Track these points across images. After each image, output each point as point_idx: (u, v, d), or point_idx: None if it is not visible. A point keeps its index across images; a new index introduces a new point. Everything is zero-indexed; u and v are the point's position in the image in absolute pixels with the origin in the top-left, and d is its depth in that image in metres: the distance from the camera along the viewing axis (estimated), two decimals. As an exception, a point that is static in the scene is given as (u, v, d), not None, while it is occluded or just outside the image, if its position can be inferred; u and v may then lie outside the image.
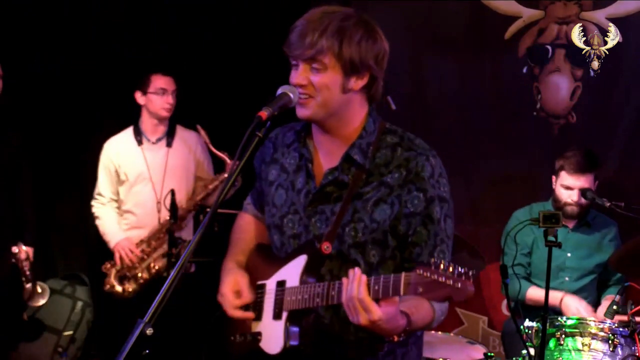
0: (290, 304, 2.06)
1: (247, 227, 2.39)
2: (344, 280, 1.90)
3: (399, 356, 2.16)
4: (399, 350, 2.16)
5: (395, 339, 2.04)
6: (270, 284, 2.16)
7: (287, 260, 2.12)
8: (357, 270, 1.89)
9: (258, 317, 2.17)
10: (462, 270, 1.74)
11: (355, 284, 1.85)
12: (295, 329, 2.07)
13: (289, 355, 2.06)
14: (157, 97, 4.41)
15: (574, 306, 3.90)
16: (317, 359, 2.11)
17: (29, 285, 4.30)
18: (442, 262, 1.75)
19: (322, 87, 2.03)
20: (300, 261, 2.07)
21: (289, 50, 2.05)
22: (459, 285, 1.73)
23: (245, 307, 2.19)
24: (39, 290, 4.41)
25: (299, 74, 2.04)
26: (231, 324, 2.27)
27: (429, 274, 1.75)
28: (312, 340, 2.09)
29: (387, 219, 2.04)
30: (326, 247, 2.04)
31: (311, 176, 2.14)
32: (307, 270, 2.06)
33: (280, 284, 2.12)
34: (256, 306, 2.19)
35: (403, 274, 1.80)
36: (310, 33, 2.00)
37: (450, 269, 1.74)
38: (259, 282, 2.20)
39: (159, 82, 4.41)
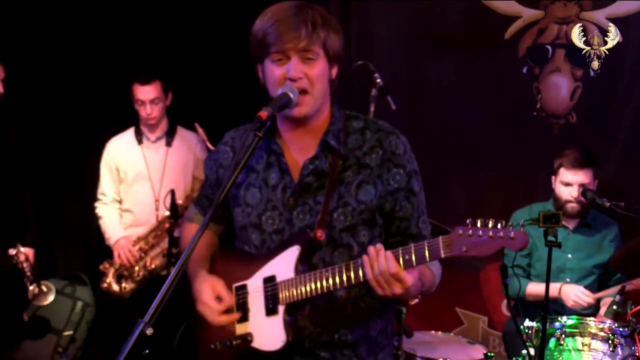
0: (289, 297, 2.05)
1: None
2: (365, 257, 1.94)
3: (389, 334, 2.25)
4: (389, 328, 2.24)
5: (414, 301, 2.09)
6: (254, 283, 2.14)
7: (273, 256, 2.12)
8: (379, 245, 1.94)
9: (244, 319, 2.14)
10: (505, 223, 1.83)
11: (382, 259, 1.91)
12: (291, 320, 2.07)
13: (289, 348, 2.06)
14: (139, 108, 4.45)
15: (572, 292, 3.90)
16: (315, 347, 2.12)
17: (33, 286, 4.30)
18: (479, 220, 1.85)
19: (317, 79, 2.06)
20: (292, 252, 2.07)
21: (275, 44, 2.03)
22: (513, 234, 1.82)
23: (226, 311, 2.16)
24: (44, 289, 4.41)
25: (294, 67, 2.03)
26: (205, 333, 2.22)
27: (472, 232, 1.83)
28: (310, 331, 2.11)
29: (373, 199, 2.10)
30: (320, 234, 2.05)
31: (286, 171, 2.14)
32: (302, 261, 2.06)
33: (269, 280, 2.10)
34: (239, 308, 2.16)
35: (440, 237, 1.87)
36: (301, 25, 2.02)
37: (491, 224, 1.83)
38: (237, 284, 2.18)
39: (137, 92, 4.42)
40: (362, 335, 2.15)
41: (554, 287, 3.93)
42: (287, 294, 2.05)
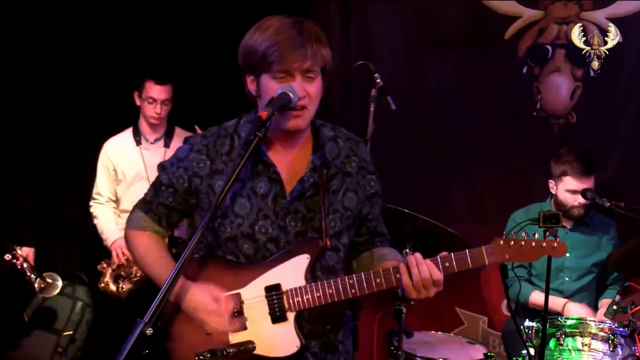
0: (301, 304, 2.10)
1: (158, 246, 2.30)
2: (402, 266, 2.09)
3: (349, 316, 2.38)
4: (347, 312, 2.36)
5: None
6: (250, 291, 2.13)
7: (274, 265, 2.13)
8: (417, 254, 2.09)
9: (241, 327, 2.12)
10: (543, 235, 2.15)
11: (424, 267, 2.07)
12: (299, 326, 2.12)
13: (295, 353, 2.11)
14: (147, 105, 4.46)
15: (576, 313, 3.89)
16: (312, 346, 2.18)
17: (38, 281, 4.29)
18: (515, 232, 2.15)
19: (316, 96, 2.12)
20: (301, 261, 2.11)
21: (280, 62, 2.04)
22: (555, 244, 2.11)
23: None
24: (50, 280, 4.40)
25: (300, 86, 2.06)
26: (185, 344, 2.15)
27: (512, 243, 2.11)
28: (307, 329, 2.15)
29: (356, 205, 2.23)
30: (329, 242, 2.15)
31: (276, 180, 2.16)
32: (311, 269, 2.13)
33: (272, 289, 2.12)
34: (233, 317, 2.12)
35: (483, 247, 2.11)
36: (307, 44, 2.05)
37: (523, 234, 2.12)
38: (228, 294, 2.13)
39: (150, 90, 4.43)
40: (338, 322, 2.27)
41: (559, 303, 3.92)
42: (299, 301, 2.10)
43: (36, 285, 4.29)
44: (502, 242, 2.11)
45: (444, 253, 2.11)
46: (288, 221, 2.14)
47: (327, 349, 2.24)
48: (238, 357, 2.10)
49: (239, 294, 2.14)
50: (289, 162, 2.19)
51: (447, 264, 2.09)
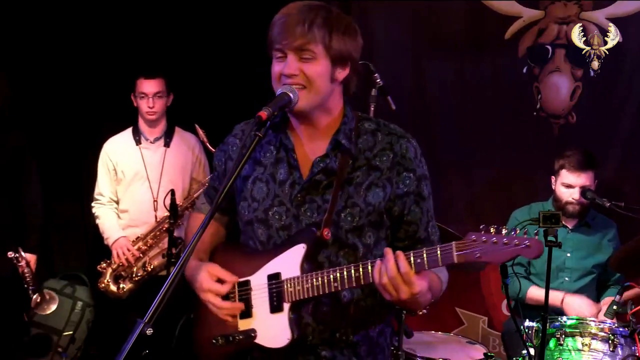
0: (295, 295, 2.06)
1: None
2: (378, 261, 1.94)
3: (387, 335, 2.26)
4: (387, 329, 2.26)
5: (421, 312, 2.07)
6: (258, 279, 2.15)
7: (277, 253, 2.12)
8: (390, 250, 1.94)
9: (247, 315, 2.15)
10: (522, 231, 1.84)
11: (392, 261, 1.91)
12: (295, 318, 2.08)
13: (293, 345, 2.07)
14: (141, 101, 4.48)
15: (576, 304, 3.89)
16: (317, 344, 2.13)
17: (35, 295, 4.29)
18: (492, 227, 1.85)
19: (315, 76, 2.07)
20: (298, 251, 2.08)
21: (276, 41, 2.06)
22: (528, 242, 1.81)
23: (226, 299, 2.17)
24: (47, 297, 4.40)
25: (289, 64, 2.05)
26: (206, 327, 2.23)
27: (485, 239, 1.84)
28: (312, 328, 2.11)
29: (381, 201, 2.11)
30: (327, 233, 2.06)
31: (295, 167, 2.15)
32: (307, 259, 2.07)
33: (273, 277, 2.11)
34: (243, 304, 2.16)
35: (454, 243, 1.87)
36: (300, 23, 2.04)
37: (504, 231, 1.84)
38: (241, 280, 2.18)
39: (141, 86, 4.45)
40: (362, 336, 2.16)
41: (557, 297, 3.91)
42: (293, 291, 2.06)
43: (33, 297, 4.29)
44: (474, 237, 1.84)
45: (424, 248, 1.93)
46: (303, 210, 2.12)
47: (341, 350, 2.14)
48: (243, 344, 2.13)
49: (248, 280, 2.16)
50: (311, 151, 2.16)
51: (418, 260, 1.90)
